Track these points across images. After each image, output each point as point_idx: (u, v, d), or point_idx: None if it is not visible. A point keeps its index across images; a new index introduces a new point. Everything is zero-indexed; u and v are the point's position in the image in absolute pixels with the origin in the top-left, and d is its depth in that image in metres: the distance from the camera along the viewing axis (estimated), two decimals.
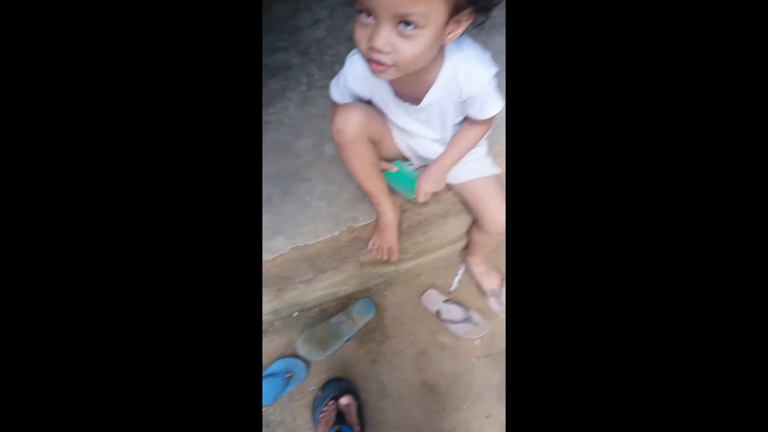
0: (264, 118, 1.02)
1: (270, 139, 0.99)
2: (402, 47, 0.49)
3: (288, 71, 1.09)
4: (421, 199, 0.77)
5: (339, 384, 0.91)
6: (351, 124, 0.67)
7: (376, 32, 0.48)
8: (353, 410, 0.87)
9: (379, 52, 0.49)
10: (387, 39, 0.48)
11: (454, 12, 0.49)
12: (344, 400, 0.87)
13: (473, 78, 0.61)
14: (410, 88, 0.65)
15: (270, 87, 1.07)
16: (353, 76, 0.67)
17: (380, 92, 0.68)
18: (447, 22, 0.50)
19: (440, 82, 0.62)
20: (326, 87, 0.73)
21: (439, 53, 0.59)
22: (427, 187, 0.76)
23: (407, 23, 0.47)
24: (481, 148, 0.80)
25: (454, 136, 0.73)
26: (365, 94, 0.71)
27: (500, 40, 1.00)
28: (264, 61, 1.11)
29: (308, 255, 0.88)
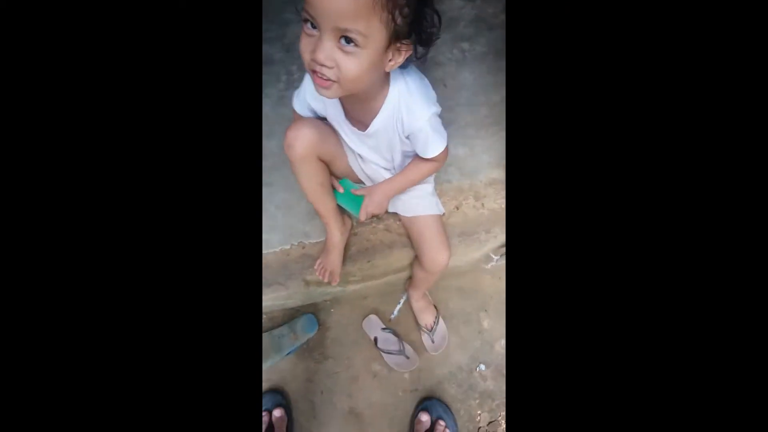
0: None
1: None
2: (343, 63, 0.49)
3: (269, 65, 1.04)
4: (362, 218, 0.75)
5: (274, 396, 0.89)
6: (300, 142, 0.66)
7: (319, 44, 0.47)
8: (283, 425, 0.86)
9: (321, 65, 0.49)
10: (329, 52, 0.48)
11: (394, 38, 0.50)
12: (277, 413, 0.85)
13: (412, 115, 0.61)
14: (359, 113, 0.65)
15: None
16: (311, 91, 0.66)
17: (333, 111, 0.68)
18: (387, 47, 0.50)
19: (384, 112, 0.62)
20: None
21: (384, 81, 0.60)
22: (368, 207, 0.74)
23: (348, 39, 0.47)
24: (428, 186, 0.81)
25: (405, 167, 0.73)
26: (321, 111, 0.70)
27: (483, 69, 1.00)
28: None
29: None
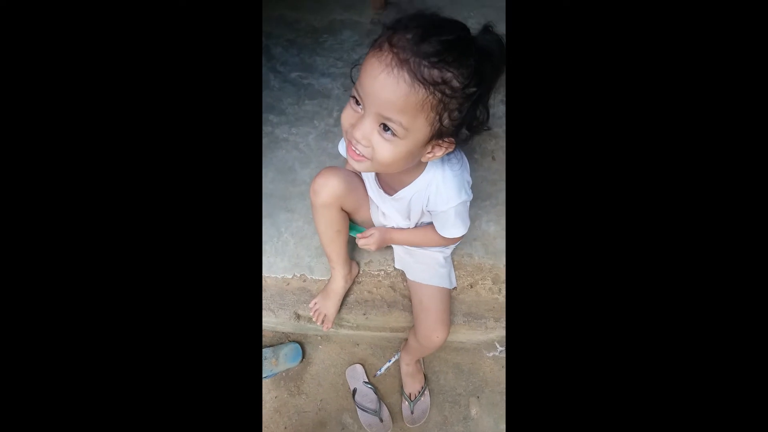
0: (285, 135, 1.03)
1: (278, 156, 1.00)
2: (378, 147, 0.49)
3: (325, 99, 1.09)
4: (359, 243, 0.74)
5: None
6: (327, 190, 0.67)
7: (360, 122, 0.48)
8: None
9: (357, 141, 0.49)
10: (367, 133, 0.48)
11: (437, 136, 0.49)
12: None
13: (440, 198, 0.60)
14: (390, 179, 0.65)
15: (304, 107, 1.08)
16: None
17: None
18: (428, 142, 0.50)
19: (415, 187, 0.62)
20: None
21: (420, 168, 0.60)
22: (365, 236, 0.73)
23: (388, 127, 0.47)
24: (439, 255, 0.77)
25: (419, 226, 0.72)
26: None
27: None
28: (309, 81, 1.12)
29: None
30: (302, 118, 1.06)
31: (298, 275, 0.87)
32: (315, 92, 1.11)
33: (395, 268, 0.85)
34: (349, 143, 0.51)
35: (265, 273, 0.87)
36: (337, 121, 1.05)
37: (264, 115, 1.06)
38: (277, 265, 0.87)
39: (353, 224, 0.78)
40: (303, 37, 1.22)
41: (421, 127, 0.47)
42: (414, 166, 0.58)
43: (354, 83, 0.49)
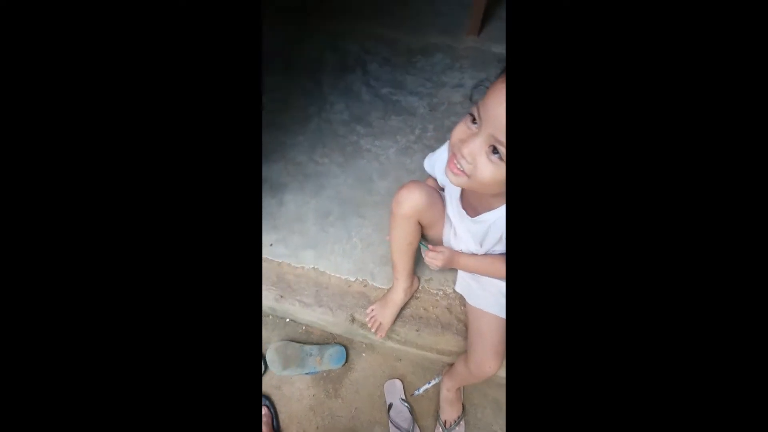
0: (368, 146, 1.08)
1: (359, 165, 1.05)
2: (482, 166, 0.50)
3: (410, 116, 1.13)
4: (424, 254, 0.75)
5: (263, 400, 0.93)
6: (410, 202, 0.69)
7: (471, 140, 0.50)
8: (270, 421, 0.88)
9: (462, 157, 0.51)
10: (474, 152, 0.50)
11: None
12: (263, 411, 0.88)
13: None
14: (475, 200, 0.66)
15: (389, 122, 1.13)
16: (442, 160, 0.70)
17: (451, 187, 0.70)
18: None
19: (499, 212, 0.62)
20: (430, 149, 0.75)
21: None
22: (434, 254, 0.73)
23: (496, 150, 0.48)
24: (503, 284, 0.76)
25: (488, 255, 0.72)
26: (442, 181, 0.74)
27: None
28: (397, 97, 1.17)
29: (320, 282, 0.91)
30: (386, 132, 1.11)
31: (361, 279, 0.90)
32: (401, 109, 1.15)
33: (455, 291, 0.85)
34: (453, 156, 0.53)
35: (330, 272, 0.90)
36: (419, 138, 1.09)
37: (352, 125, 1.12)
38: (343, 266, 0.91)
39: (423, 240, 0.79)
40: (398, 56, 1.28)
41: None
42: (503, 192, 0.58)
43: (473, 102, 0.51)
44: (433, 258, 0.73)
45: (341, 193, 1.00)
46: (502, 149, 0.48)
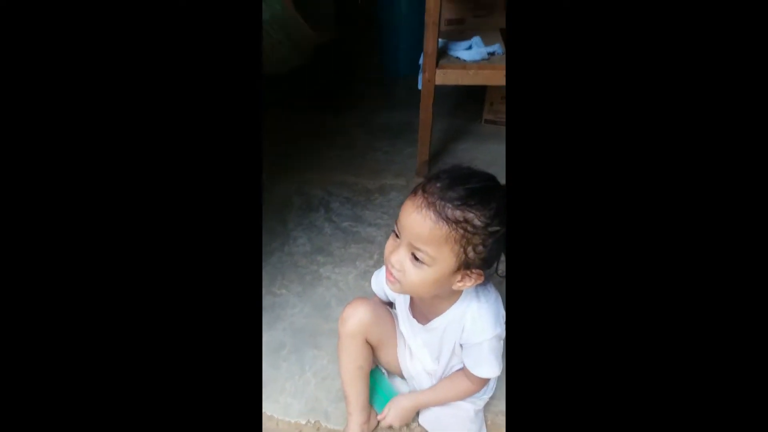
0: (328, 274, 1.10)
1: (318, 293, 1.04)
2: (409, 271, 0.55)
3: (369, 244, 1.19)
4: (380, 418, 0.70)
5: None
6: (354, 319, 0.68)
7: (396, 250, 0.56)
8: None
9: (392, 266, 0.56)
10: (400, 259, 0.56)
11: (464, 266, 0.54)
12: None
13: (475, 327, 0.60)
14: (424, 307, 0.66)
15: (349, 250, 1.18)
16: (383, 275, 0.71)
17: (401, 298, 0.71)
18: (456, 271, 0.55)
19: (449, 315, 0.62)
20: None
21: (454, 296, 0.62)
22: (392, 417, 0.69)
23: (417, 257, 0.54)
24: (470, 406, 0.69)
25: (445, 378, 0.68)
26: (391, 296, 0.74)
27: None
28: (357, 229, 1.26)
29: (267, 428, 0.79)
30: (346, 260, 1.15)
31: (313, 421, 0.78)
32: (361, 238, 1.22)
33: (419, 425, 0.74)
34: (387, 268, 0.58)
35: (279, 416, 0.80)
36: (377, 263, 1.12)
37: (312, 256, 1.17)
38: (293, 408, 0.80)
39: (383, 386, 0.75)
40: (358, 196, 1.43)
41: (446, 257, 0.53)
42: (448, 294, 0.61)
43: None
44: (385, 418, 0.69)
45: (296, 323, 0.97)
46: (421, 254, 0.53)
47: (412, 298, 0.69)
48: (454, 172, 0.56)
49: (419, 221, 0.52)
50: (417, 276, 0.55)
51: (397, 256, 0.56)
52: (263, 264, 1.15)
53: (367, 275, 1.08)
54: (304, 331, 0.95)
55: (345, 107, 2.16)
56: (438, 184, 0.54)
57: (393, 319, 0.73)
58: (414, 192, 0.56)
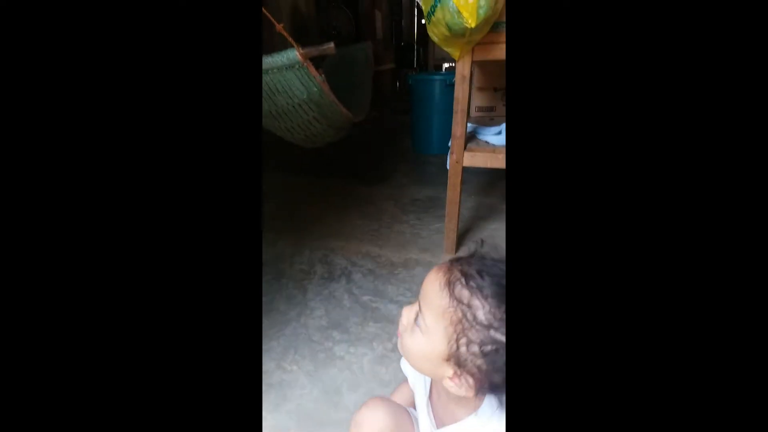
0: (342, 353, 1.03)
1: (330, 375, 0.97)
2: (406, 333, 0.54)
3: (389, 324, 1.12)
4: None
5: None
6: (372, 424, 0.62)
7: (412, 306, 0.55)
8: None
9: (401, 323, 0.55)
10: (408, 315, 0.54)
11: (455, 361, 0.50)
12: None
13: None
14: (440, 407, 0.61)
15: (367, 328, 1.11)
16: None
17: (421, 388, 0.65)
18: (447, 360, 0.50)
19: (463, 426, 0.56)
20: None
21: (471, 404, 0.56)
22: None
23: (419, 322, 0.52)
24: None
25: None
26: (412, 382, 0.68)
27: None
28: (377, 305, 1.20)
29: None
30: (363, 339, 1.08)
31: None
32: (380, 316, 1.16)
33: None
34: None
35: None
36: (395, 347, 1.04)
37: (328, 332, 1.11)
38: None
39: None
40: (381, 268, 1.40)
41: (440, 334, 0.49)
42: (466, 404, 0.55)
43: None
44: None
45: (303, 407, 0.88)
46: (420, 318, 0.52)
47: (431, 390, 0.62)
48: (490, 259, 0.53)
49: (431, 280, 0.51)
50: (410, 339, 0.53)
51: (408, 311, 0.55)
52: (278, 335, 1.10)
53: (383, 360, 1.00)
54: (311, 417, 0.86)
55: (376, 180, 2.24)
56: (469, 261, 0.52)
57: (412, 423, 0.65)
58: (441, 264, 0.55)
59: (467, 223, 1.67)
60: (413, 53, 6.36)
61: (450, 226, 1.43)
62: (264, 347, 1.06)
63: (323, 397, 0.91)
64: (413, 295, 1.24)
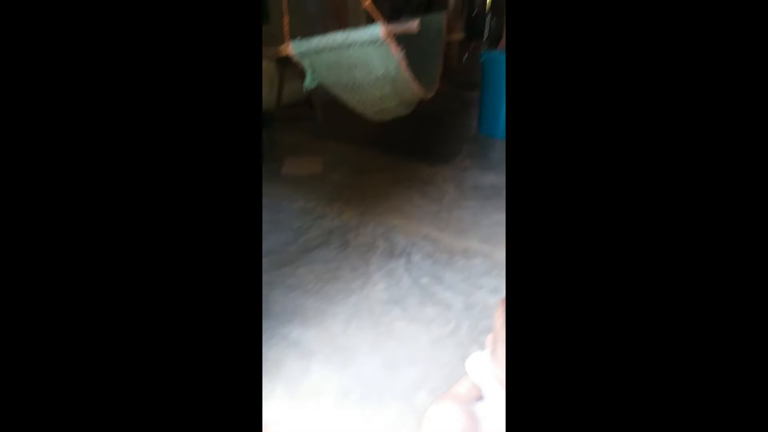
0: (401, 330, 1.10)
1: (389, 347, 1.04)
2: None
3: (446, 310, 1.17)
4: None
5: None
6: (441, 426, 0.65)
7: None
8: None
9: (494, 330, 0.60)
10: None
11: None
12: None
13: None
14: None
15: (425, 310, 1.17)
16: (479, 360, 0.71)
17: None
18: None
19: None
20: (463, 346, 0.74)
21: None
22: None
23: None
24: None
25: None
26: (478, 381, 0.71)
27: None
28: (434, 289, 1.25)
29: None
30: (420, 320, 1.14)
31: None
32: (438, 300, 1.21)
33: None
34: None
35: None
36: (453, 333, 1.10)
37: (389, 307, 1.18)
38: None
39: None
40: (440, 253, 1.44)
41: None
42: None
43: None
44: None
45: (364, 374, 0.97)
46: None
47: None
48: None
49: None
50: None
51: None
52: (344, 302, 1.19)
53: (440, 344, 1.06)
54: (371, 385, 0.95)
55: (439, 159, 2.23)
56: None
57: (479, 424, 0.69)
58: None
59: None
60: (484, 23, 5.97)
61: None
62: (330, 312, 1.15)
63: (383, 367, 0.99)
64: (470, 287, 1.27)
